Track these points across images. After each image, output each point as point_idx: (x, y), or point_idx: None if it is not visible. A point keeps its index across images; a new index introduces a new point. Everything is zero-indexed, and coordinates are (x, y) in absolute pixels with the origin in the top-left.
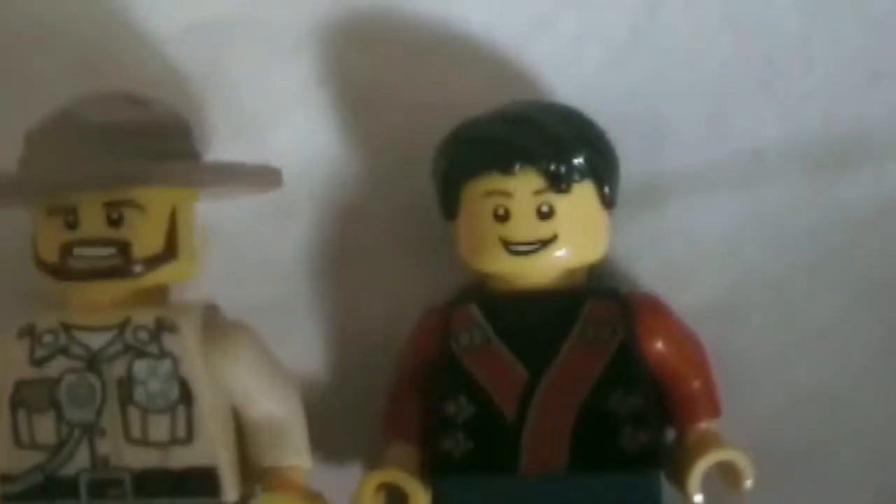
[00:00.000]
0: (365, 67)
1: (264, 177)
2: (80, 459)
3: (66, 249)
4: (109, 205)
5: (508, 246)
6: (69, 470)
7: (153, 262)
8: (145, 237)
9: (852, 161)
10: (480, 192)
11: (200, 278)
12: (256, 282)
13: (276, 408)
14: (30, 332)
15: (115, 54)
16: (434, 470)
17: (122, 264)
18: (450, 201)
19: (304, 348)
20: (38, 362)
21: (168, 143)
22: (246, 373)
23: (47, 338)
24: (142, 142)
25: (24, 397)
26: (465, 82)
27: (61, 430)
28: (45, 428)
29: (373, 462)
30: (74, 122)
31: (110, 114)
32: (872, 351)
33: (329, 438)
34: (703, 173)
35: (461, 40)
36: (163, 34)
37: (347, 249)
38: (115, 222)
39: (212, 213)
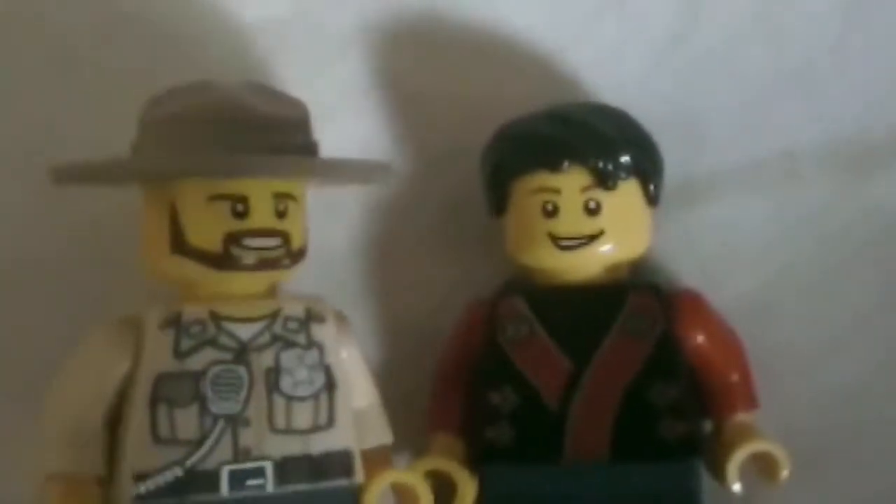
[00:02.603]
0: (413, 68)
1: (388, 173)
2: (223, 452)
3: (234, 239)
4: (278, 196)
5: (556, 241)
6: (210, 463)
7: (301, 253)
8: (299, 229)
9: (883, 163)
10: (529, 188)
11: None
12: (303, 276)
13: (370, 391)
14: (175, 323)
15: (171, 54)
16: (479, 459)
17: (284, 256)
18: (499, 197)
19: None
20: (182, 354)
21: (311, 135)
22: (354, 359)
23: (195, 328)
24: (298, 135)
25: (166, 391)
26: (510, 83)
27: (204, 423)
28: (188, 422)
29: (419, 453)
30: (233, 112)
31: (262, 105)
32: None
33: None
34: (739, 174)
35: (507, 43)
36: (217, 34)
37: (393, 245)
38: (281, 214)
39: None
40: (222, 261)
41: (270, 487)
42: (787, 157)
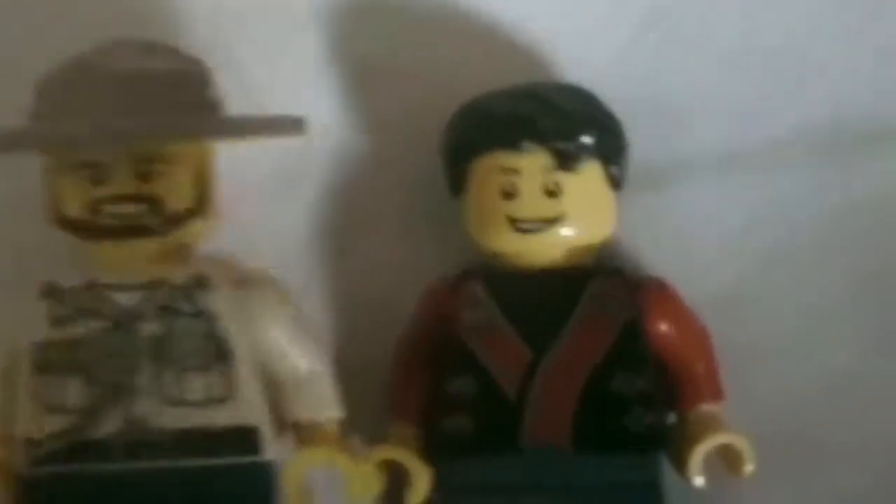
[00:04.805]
0: (373, 46)
1: (289, 125)
2: (114, 421)
3: (95, 206)
4: (139, 159)
5: (515, 223)
6: (101, 432)
7: (184, 217)
8: (176, 192)
9: (862, 150)
10: (488, 168)
11: (208, 250)
12: (262, 254)
13: (306, 361)
14: (52, 292)
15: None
16: (435, 449)
17: (153, 221)
18: (457, 177)
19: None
20: (60, 323)
21: (193, 91)
22: (278, 326)
23: (71, 297)
24: (167, 91)
25: (47, 359)
26: (475, 62)
27: (92, 392)
28: (74, 390)
29: (374, 435)
30: (96, 72)
31: (132, 62)
32: (881, 336)
33: None
34: (718, 160)
35: (472, 20)
36: (179, 14)
37: (353, 224)
38: (145, 177)
39: (220, 184)
40: (87, 229)
41: (168, 458)
42: (766, 144)
